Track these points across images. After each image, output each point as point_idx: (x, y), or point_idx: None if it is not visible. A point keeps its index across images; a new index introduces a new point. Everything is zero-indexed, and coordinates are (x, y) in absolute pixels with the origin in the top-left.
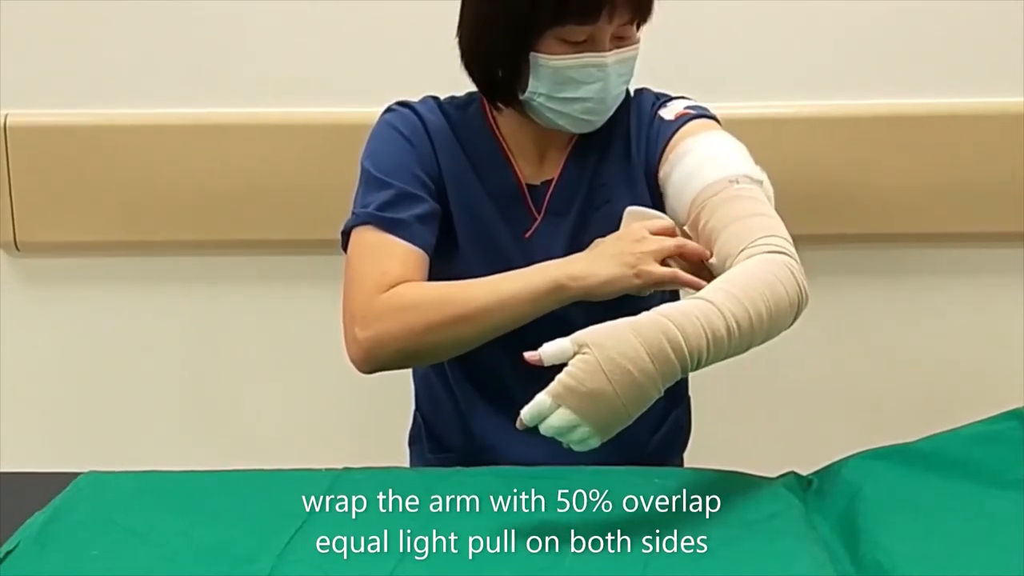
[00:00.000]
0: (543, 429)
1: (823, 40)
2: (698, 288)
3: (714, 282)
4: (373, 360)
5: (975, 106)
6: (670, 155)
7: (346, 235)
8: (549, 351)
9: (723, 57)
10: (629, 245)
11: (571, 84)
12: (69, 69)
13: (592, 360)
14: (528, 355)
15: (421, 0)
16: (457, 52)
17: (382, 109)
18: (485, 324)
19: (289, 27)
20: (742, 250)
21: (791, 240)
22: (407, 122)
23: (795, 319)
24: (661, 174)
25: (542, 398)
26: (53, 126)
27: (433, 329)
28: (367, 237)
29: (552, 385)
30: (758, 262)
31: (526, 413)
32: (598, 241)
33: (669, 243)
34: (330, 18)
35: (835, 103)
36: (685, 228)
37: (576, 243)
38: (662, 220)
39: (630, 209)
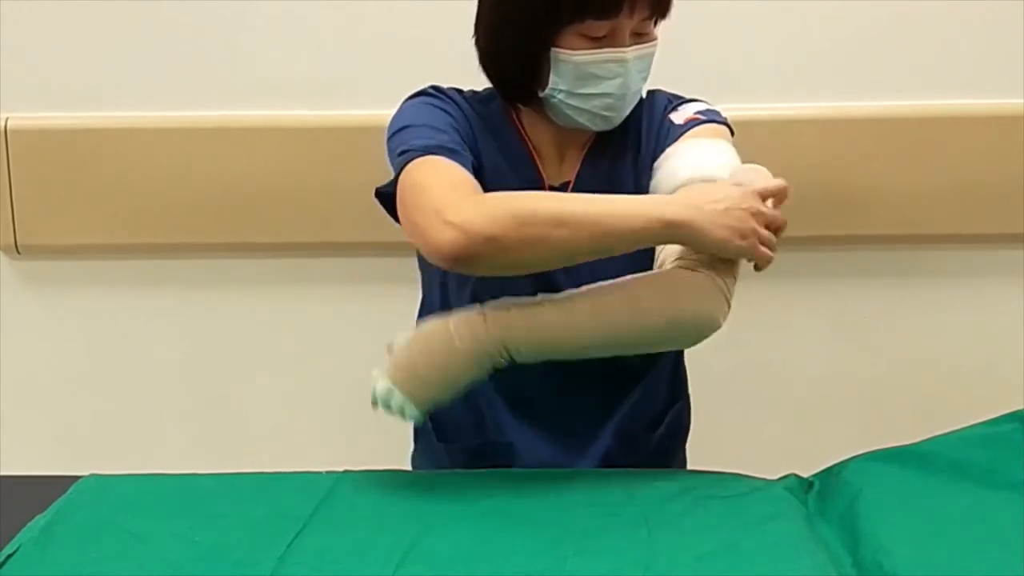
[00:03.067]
0: (376, 399)
1: (825, 42)
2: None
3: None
4: (465, 245)
5: (976, 107)
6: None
7: (385, 195)
8: (397, 338)
9: (725, 59)
10: (745, 216)
11: (592, 80)
12: (70, 72)
13: (410, 339)
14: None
15: (429, 2)
16: (468, 54)
17: (389, 111)
18: (577, 234)
19: (291, 29)
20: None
21: (729, 268)
22: (444, 102)
23: (692, 337)
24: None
25: (374, 371)
26: (54, 129)
27: (528, 222)
28: (436, 162)
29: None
30: (650, 275)
31: (371, 386)
32: (714, 189)
33: (778, 223)
34: (334, 20)
35: (835, 105)
36: None
37: None
38: (777, 182)
39: (746, 167)
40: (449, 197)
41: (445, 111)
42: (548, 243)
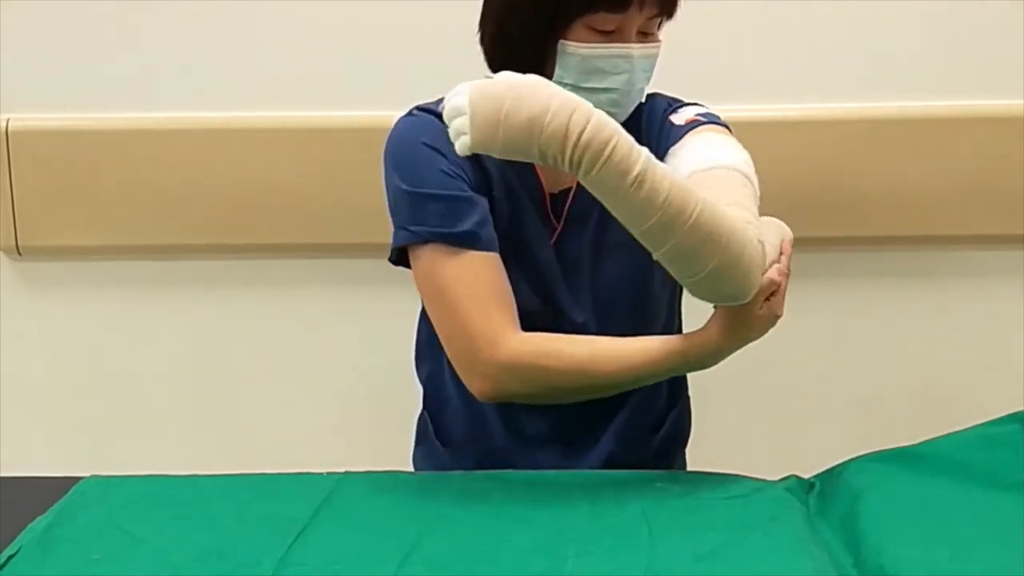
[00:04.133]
0: (446, 107)
1: (825, 43)
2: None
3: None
4: (495, 395)
5: (976, 108)
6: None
7: (402, 252)
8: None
9: (726, 61)
10: (751, 331)
11: (598, 74)
12: (71, 73)
13: (516, 80)
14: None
15: (431, 2)
16: (471, 55)
17: (387, 113)
18: (604, 389)
19: (294, 30)
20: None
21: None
22: (432, 129)
23: (714, 289)
24: None
25: (461, 85)
26: (55, 130)
27: (560, 390)
28: (452, 259)
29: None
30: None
31: (451, 95)
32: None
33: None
34: (337, 21)
35: (836, 106)
36: None
37: (599, 248)
38: (775, 271)
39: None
40: (484, 333)
41: (429, 146)
42: (573, 395)
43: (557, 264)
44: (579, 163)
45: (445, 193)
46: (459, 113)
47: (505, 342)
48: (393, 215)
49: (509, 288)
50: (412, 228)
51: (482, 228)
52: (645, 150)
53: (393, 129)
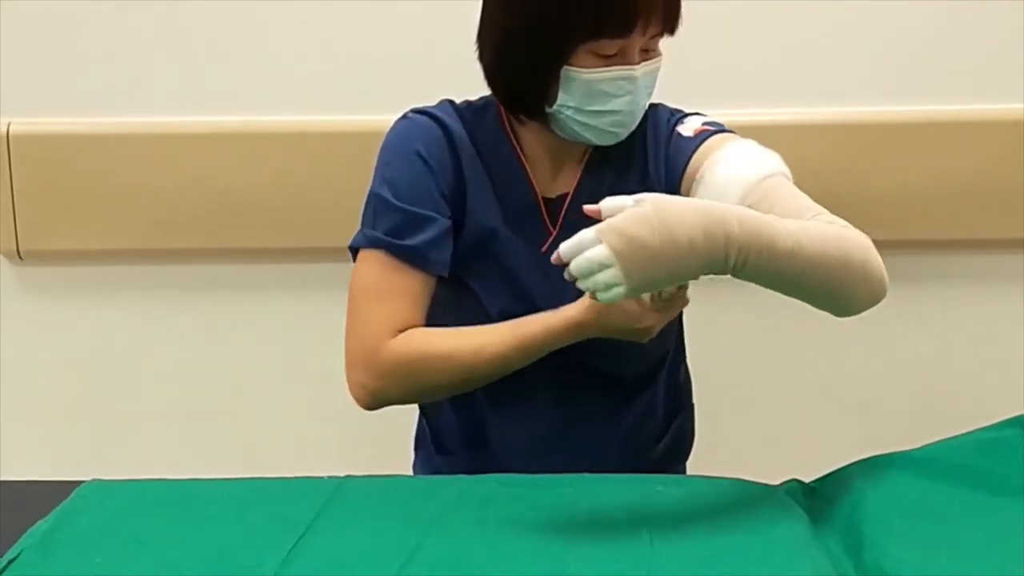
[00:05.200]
0: (576, 263)
1: (824, 47)
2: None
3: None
4: (374, 406)
5: (976, 113)
6: (700, 168)
7: (354, 251)
8: (608, 203)
9: (725, 64)
10: (636, 334)
11: (601, 97)
12: (72, 77)
13: (645, 212)
14: (587, 208)
15: (431, 5)
16: (464, 60)
17: (389, 116)
18: (485, 379)
19: (294, 34)
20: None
21: None
22: (426, 135)
23: (871, 297)
24: (685, 189)
25: (586, 232)
26: (56, 134)
27: (439, 388)
28: (374, 267)
29: (600, 224)
30: (841, 229)
31: (566, 245)
32: (602, 318)
33: (665, 317)
34: (337, 24)
35: (836, 110)
36: None
37: None
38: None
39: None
40: (371, 351)
41: (421, 156)
42: (459, 390)
43: (547, 270)
44: (743, 266)
45: (407, 208)
46: (601, 266)
47: (385, 350)
48: (362, 213)
49: (422, 311)
50: (366, 232)
51: (430, 248)
52: (790, 222)
53: (390, 131)
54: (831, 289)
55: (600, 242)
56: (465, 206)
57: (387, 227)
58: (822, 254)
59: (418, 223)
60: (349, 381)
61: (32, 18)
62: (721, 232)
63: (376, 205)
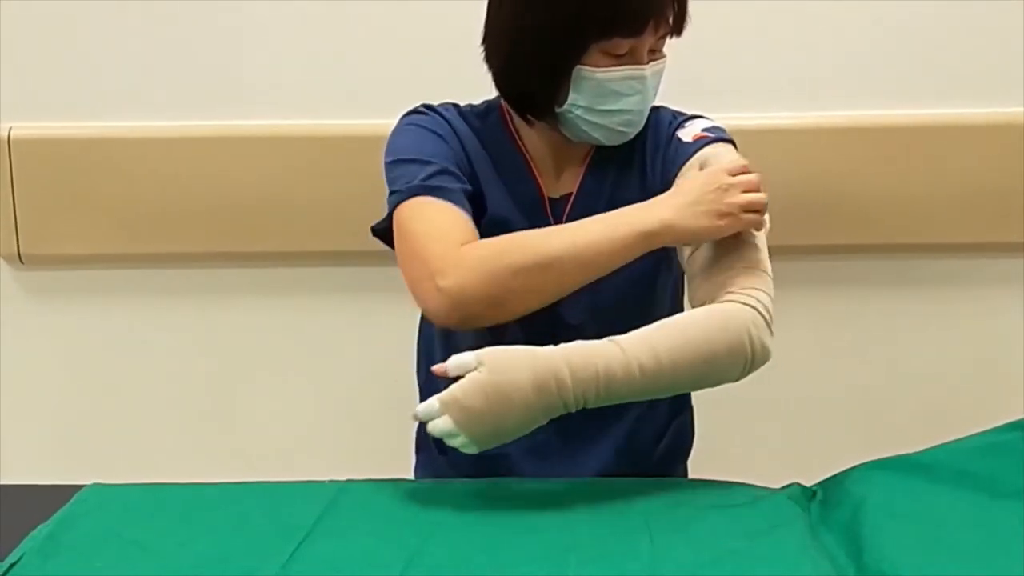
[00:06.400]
0: (430, 428)
1: (824, 51)
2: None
3: (646, 328)
4: (460, 307)
5: (976, 116)
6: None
7: (388, 219)
8: (454, 362)
9: (725, 68)
10: (717, 195)
11: (612, 96)
12: (73, 81)
13: (480, 380)
14: (435, 367)
15: (433, 10)
16: (466, 63)
17: (389, 121)
18: (566, 273)
19: (295, 39)
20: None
21: (770, 294)
22: (435, 122)
23: (745, 372)
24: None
25: (432, 402)
26: (57, 138)
27: (519, 273)
28: (423, 205)
29: (444, 392)
30: (708, 312)
31: (420, 408)
32: (680, 184)
33: (755, 197)
34: (334, 30)
35: (836, 114)
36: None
37: None
38: (740, 160)
39: (705, 152)
40: (437, 255)
41: (436, 133)
42: (537, 291)
43: None
44: (586, 403)
45: (424, 158)
46: (451, 435)
47: (458, 256)
48: (388, 193)
49: (474, 229)
50: (400, 187)
51: (465, 197)
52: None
53: (396, 125)
54: (696, 381)
55: (444, 413)
56: (481, 193)
57: (423, 176)
58: (671, 364)
59: (450, 174)
60: (423, 297)
61: (34, 22)
62: (553, 383)
63: (402, 165)
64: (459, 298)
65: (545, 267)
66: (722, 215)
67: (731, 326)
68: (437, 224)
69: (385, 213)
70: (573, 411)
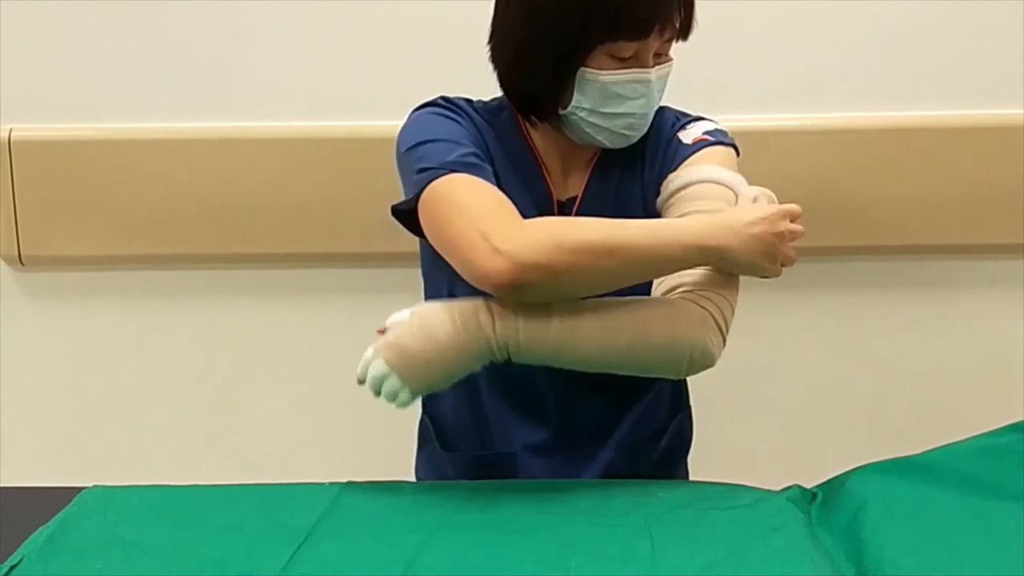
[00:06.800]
0: (368, 378)
1: (825, 52)
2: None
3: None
4: (518, 271)
5: (976, 118)
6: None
7: (415, 199)
8: (392, 319)
9: (725, 69)
10: (774, 240)
11: (616, 99)
12: (73, 83)
13: (408, 323)
14: (379, 328)
15: (435, 11)
16: (470, 64)
17: (391, 122)
18: (628, 263)
19: (295, 40)
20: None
21: (732, 305)
22: (456, 112)
23: (686, 371)
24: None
25: (368, 349)
26: (57, 140)
27: (585, 250)
28: (466, 181)
29: (378, 342)
30: (657, 300)
31: (360, 366)
32: (749, 209)
33: (793, 253)
34: (336, 31)
35: (836, 115)
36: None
37: None
38: (795, 206)
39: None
40: (493, 221)
41: (458, 122)
42: (596, 273)
43: None
44: (516, 347)
45: (453, 139)
46: (382, 379)
47: (518, 222)
48: (404, 181)
49: (515, 208)
50: (424, 168)
51: (488, 168)
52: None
53: (408, 118)
54: (628, 362)
55: (377, 357)
56: (500, 184)
57: (456, 155)
58: (596, 327)
59: (481, 160)
60: (477, 261)
61: (34, 23)
62: (473, 321)
63: (415, 151)
64: (520, 260)
65: (611, 251)
66: (772, 260)
67: (676, 320)
68: (489, 198)
69: (406, 192)
70: (499, 358)
